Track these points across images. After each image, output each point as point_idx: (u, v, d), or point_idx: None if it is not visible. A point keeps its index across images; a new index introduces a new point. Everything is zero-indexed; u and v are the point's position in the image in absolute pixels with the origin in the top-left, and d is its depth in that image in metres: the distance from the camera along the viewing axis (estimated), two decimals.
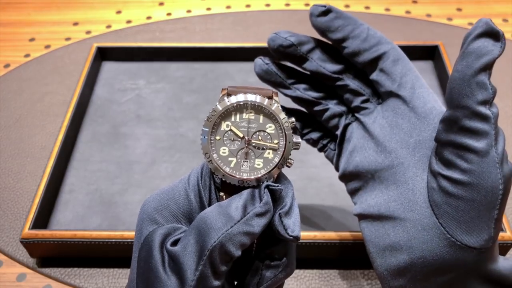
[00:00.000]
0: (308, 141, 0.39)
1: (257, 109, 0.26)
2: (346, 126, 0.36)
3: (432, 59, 0.64)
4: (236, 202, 0.25)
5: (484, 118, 0.26)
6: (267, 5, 0.78)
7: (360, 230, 0.34)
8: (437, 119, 0.31)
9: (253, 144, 0.26)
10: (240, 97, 0.26)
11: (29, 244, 0.43)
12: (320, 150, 0.39)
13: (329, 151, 0.38)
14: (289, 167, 0.27)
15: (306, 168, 0.53)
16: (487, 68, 0.26)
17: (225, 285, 0.27)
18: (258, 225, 0.24)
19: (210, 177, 0.27)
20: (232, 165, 0.26)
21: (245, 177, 0.26)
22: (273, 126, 0.26)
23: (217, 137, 0.26)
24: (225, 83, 0.63)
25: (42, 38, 0.71)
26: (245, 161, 0.26)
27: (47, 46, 0.70)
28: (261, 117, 0.26)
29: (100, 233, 0.43)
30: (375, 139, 0.33)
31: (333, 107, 0.36)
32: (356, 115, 0.35)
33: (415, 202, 0.30)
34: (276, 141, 0.26)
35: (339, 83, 0.34)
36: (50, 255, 0.45)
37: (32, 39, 0.71)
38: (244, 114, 0.26)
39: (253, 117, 0.26)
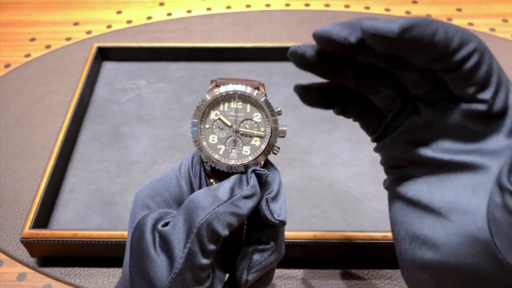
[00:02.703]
0: (348, 113, 0.32)
1: (245, 98, 0.28)
2: (401, 110, 0.30)
3: None
4: (224, 186, 0.26)
5: None
6: (267, 5, 0.78)
7: (389, 206, 0.31)
8: None
9: (241, 132, 0.28)
10: (228, 87, 0.27)
11: (29, 244, 0.43)
12: (361, 121, 0.33)
13: (372, 123, 0.32)
14: (275, 154, 0.28)
15: (306, 168, 0.53)
16: None
17: (216, 280, 0.27)
18: (245, 207, 0.25)
19: (201, 165, 0.28)
20: (221, 152, 0.28)
21: (233, 163, 0.27)
22: (260, 115, 0.28)
23: (206, 126, 0.28)
24: None
25: (42, 38, 0.71)
26: (233, 148, 0.28)
27: (48, 46, 0.70)
28: (248, 106, 0.28)
29: (100, 232, 0.43)
30: (442, 130, 0.29)
31: (387, 89, 0.30)
32: (417, 102, 0.30)
33: (468, 208, 0.27)
34: (262, 129, 0.28)
35: (400, 71, 0.28)
36: (51, 254, 0.45)
37: (32, 39, 0.71)
38: (232, 104, 0.28)
39: (240, 106, 0.28)
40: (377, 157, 0.37)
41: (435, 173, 0.29)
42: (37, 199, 0.46)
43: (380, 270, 0.44)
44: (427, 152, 0.29)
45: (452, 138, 0.28)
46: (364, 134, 0.33)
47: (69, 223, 0.48)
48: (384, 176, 0.33)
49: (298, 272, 0.44)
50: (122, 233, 0.43)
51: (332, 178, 0.52)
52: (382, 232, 0.43)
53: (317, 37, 0.28)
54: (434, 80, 0.28)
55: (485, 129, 0.27)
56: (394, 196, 0.31)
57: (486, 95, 0.26)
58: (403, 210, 0.31)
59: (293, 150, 0.55)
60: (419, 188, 0.30)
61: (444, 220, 0.28)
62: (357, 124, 0.33)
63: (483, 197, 0.26)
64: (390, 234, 0.42)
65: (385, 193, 0.35)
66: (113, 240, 0.42)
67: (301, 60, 0.30)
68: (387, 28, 0.24)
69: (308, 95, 0.33)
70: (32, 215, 0.44)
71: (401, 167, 0.31)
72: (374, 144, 0.33)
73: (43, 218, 0.47)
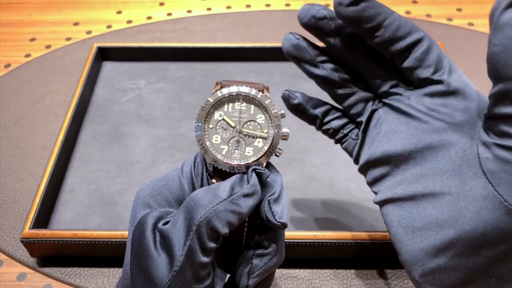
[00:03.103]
0: (327, 131, 0.38)
1: (249, 100, 0.28)
2: (372, 112, 0.34)
3: None
4: (225, 184, 0.26)
5: None
6: (267, 5, 0.78)
7: (383, 216, 0.33)
8: (476, 96, 0.30)
9: (244, 133, 0.28)
10: (232, 89, 0.28)
11: (29, 244, 0.43)
12: (338, 141, 0.38)
13: (349, 141, 0.37)
14: (277, 156, 0.28)
15: (306, 168, 0.53)
16: None
17: (217, 279, 0.27)
18: (245, 205, 0.25)
19: (203, 165, 0.29)
20: (223, 152, 0.28)
21: (235, 164, 0.28)
22: (263, 117, 0.28)
23: (210, 126, 0.28)
24: None
25: (42, 38, 0.71)
26: (236, 149, 0.28)
27: (48, 46, 0.70)
28: (252, 107, 0.28)
29: (100, 232, 0.43)
30: (413, 120, 0.32)
31: (360, 91, 0.35)
32: (384, 100, 0.34)
33: (463, 175, 0.29)
34: (266, 131, 0.28)
35: (366, 67, 0.33)
36: (51, 254, 0.45)
37: (32, 39, 0.71)
38: (236, 105, 0.28)
39: (244, 108, 0.28)
40: None
41: (417, 163, 0.31)
42: (37, 199, 0.46)
43: (380, 270, 0.44)
44: (403, 142, 0.32)
45: (421, 123, 0.32)
46: None
47: (69, 223, 0.48)
48: None
49: (299, 272, 0.44)
50: (122, 233, 0.43)
51: (332, 178, 0.52)
52: (382, 232, 0.43)
53: (299, 13, 0.33)
54: (396, 74, 0.33)
55: (446, 109, 0.31)
56: (383, 205, 0.33)
57: (442, 76, 0.31)
58: (395, 210, 0.32)
59: (293, 150, 0.55)
60: (401, 185, 0.32)
61: (444, 196, 0.29)
62: None
63: (474, 166, 0.29)
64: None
65: None
66: (113, 240, 0.42)
67: (287, 43, 0.35)
68: None
69: (290, 100, 0.37)
70: (32, 215, 0.44)
71: (386, 175, 0.33)
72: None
73: (43, 218, 0.47)
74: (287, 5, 0.78)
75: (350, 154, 0.37)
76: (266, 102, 0.28)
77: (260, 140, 0.28)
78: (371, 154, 0.34)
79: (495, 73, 0.27)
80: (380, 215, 0.48)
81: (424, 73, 0.31)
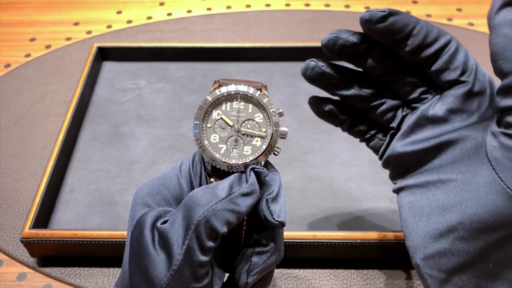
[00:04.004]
0: (355, 133, 0.38)
1: (247, 99, 0.28)
2: (403, 118, 0.35)
3: None
4: (223, 183, 0.26)
5: None
6: (267, 5, 0.78)
7: (398, 204, 0.34)
8: (494, 91, 0.32)
9: (242, 132, 0.28)
10: (231, 88, 0.28)
11: (29, 244, 0.43)
12: (365, 140, 0.38)
13: (376, 141, 0.37)
14: (276, 155, 0.28)
15: (306, 168, 0.53)
16: None
17: (215, 278, 0.27)
18: (243, 204, 0.26)
19: (201, 164, 0.29)
20: (222, 151, 0.28)
21: (233, 163, 0.28)
22: (262, 116, 0.28)
23: (208, 125, 0.28)
24: None
25: (42, 38, 0.71)
26: (234, 148, 0.28)
27: (48, 46, 0.70)
28: (250, 106, 0.28)
29: (100, 232, 0.43)
30: (437, 122, 0.33)
31: (389, 100, 0.35)
32: (413, 105, 0.35)
33: (470, 163, 0.30)
34: (264, 130, 0.28)
35: (396, 77, 0.34)
36: (51, 254, 0.45)
37: (32, 39, 0.71)
38: (234, 104, 0.28)
39: (242, 107, 0.28)
40: (377, 157, 0.38)
41: (435, 158, 0.33)
42: (37, 199, 0.46)
43: (379, 270, 0.44)
44: (424, 143, 0.33)
45: (444, 123, 0.33)
46: None
47: (69, 223, 0.48)
48: (384, 176, 0.35)
49: (298, 272, 0.44)
50: (122, 233, 0.43)
51: (332, 178, 0.52)
52: (382, 232, 0.43)
53: (325, 42, 0.33)
54: (425, 79, 0.33)
55: (470, 108, 0.32)
56: (399, 191, 0.35)
57: (469, 76, 0.32)
58: (408, 196, 0.33)
59: (293, 150, 0.55)
60: (424, 174, 0.33)
61: (451, 182, 0.31)
62: None
63: (481, 154, 0.30)
64: (389, 234, 0.42)
65: (385, 193, 0.36)
66: (113, 240, 0.42)
67: (313, 72, 0.34)
68: (378, 9, 0.31)
69: (321, 107, 0.37)
70: (32, 215, 0.44)
71: (406, 170, 0.34)
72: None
73: (43, 218, 0.47)
74: (287, 5, 0.78)
75: (376, 152, 0.38)
76: (264, 101, 0.28)
77: (258, 139, 0.28)
78: (394, 151, 0.35)
79: (499, 70, 0.29)
80: (380, 215, 0.49)
81: (452, 75, 0.32)
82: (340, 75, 0.34)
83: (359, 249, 0.43)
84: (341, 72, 0.35)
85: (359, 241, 0.42)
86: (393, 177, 0.36)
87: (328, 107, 0.36)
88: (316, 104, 0.37)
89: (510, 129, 0.28)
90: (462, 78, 0.32)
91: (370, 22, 0.31)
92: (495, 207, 0.28)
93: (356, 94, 0.35)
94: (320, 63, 0.34)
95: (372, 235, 0.42)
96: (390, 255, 0.44)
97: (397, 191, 0.35)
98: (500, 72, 0.29)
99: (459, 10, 0.75)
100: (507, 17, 0.28)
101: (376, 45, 0.33)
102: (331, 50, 0.33)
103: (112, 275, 0.44)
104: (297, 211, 0.49)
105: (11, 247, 0.46)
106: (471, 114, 0.32)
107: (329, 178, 0.52)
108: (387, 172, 0.37)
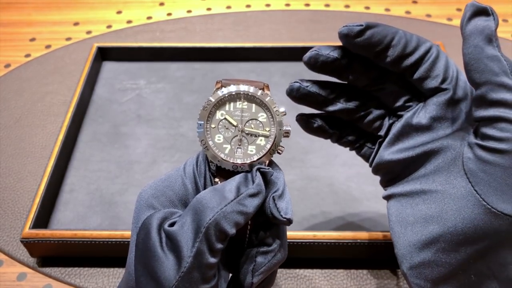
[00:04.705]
0: (344, 143, 0.38)
1: (250, 98, 0.28)
2: (390, 126, 0.35)
3: None
4: (230, 185, 0.26)
5: (507, 87, 0.28)
6: (267, 5, 0.78)
7: (387, 211, 0.34)
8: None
9: (246, 132, 0.28)
10: (233, 88, 0.28)
11: (29, 244, 0.43)
12: (356, 149, 0.38)
13: (366, 149, 0.37)
14: (280, 153, 0.28)
15: (306, 168, 0.53)
16: (490, 40, 0.29)
17: (221, 279, 0.28)
18: (251, 205, 0.26)
19: (206, 165, 0.29)
20: (226, 151, 0.28)
21: (238, 162, 0.28)
22: (265, 115, 0.28)
23: (212, 125, 0.28)
24: None
25: (42, 38, 0.72)
26: (239, 148, 0.28)
27: (48, 46, 0.70)
28: (254, 106, 0.28)
29: (100, 232, 0.43)
30: (421, 130, 0.33)
31: (376, 110, 0.35)
32: (399, 113, 0.35)
33: (449, 174, 0.31)
34: (268, 129, 0.28)
35: (379, 87, 0.34)
36: (51, 254, 0.45)
37: (32, 39, 0.71)
38: (238, 104, 0.28)
39: (246, 106, 0.28)
40: None
41: (420, 166, 0.33)
42: (37, 199, 0.46)
43: (379, 270, 0.44)
44: (408, 151, 0.33)
45: (427, 131, 0.33)
46: None
47: (69, 223, 0.48)
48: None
49: (299, 272, 0.44)
50: (122, 233, 0.43)
51: (332, 178, 0.52)
52: (382, 232, 0.43)
53: (306, 60, 0.33)
54: (409, 87, 0.33)
55: (451, 116, 0.32)
56: (390, 198, 0.35)
57: (449, 84, 0.32)
58: (395, 205, 0.34)
59: (293, 150, 0.55)
60: (410, 182, 0.33)
61: (432, 193, 0.31)
62: None
63: (458, 165, 0.30)
64: (389, 234, 0.42)
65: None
66: (113, 240, 0.42)
67: (298, 93, 0.34)
68: (355, 23, 0.31)
69: (309, 124, 0.37)
70: (32, 215, 0.44)
71: (395, 177, 0.35)
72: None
73: (43, 218, 0.47)
74: (287, 5, 0.78)
75: (366, 160, 0.38)
76: (267, 100, 0.28)
77: (263, 138, 0.28)
78: (381, 159, 0.35)
79: (470, 81, 0.29)
80: (380, 215, 0.49)
81: (433, 83, 0.32)
82: (325, 92, 0.34)
83: (359, 249, 0.43)
84: (325, 88, 0.34)
85: (359, 241, 0.42)
86: (383, 183, 0.36)
87: (316, 123, 0.36)
88: (303, 121, 0.37)
89: (485, 140, 0.29)
90: (443, 86, 0.32)
91: (348, 37, 0.31)
92: (473, 220, 0.28)
93: (343, 108, 0.35)
94: (304, 84, 0.34)
95: (372, 235, 0.42)
96: (390, 255, 0.44)
97: (386, 198, 0.35)
98: (473, 83, 0.29)
99: (459, 10, 0.75)
100: (478, 27, 0.29)
101: (357, 58, 0.33)
102: (313, 66, 0.33)
103: (112, 275, 0.44)
104: (297, 211, 0.49)
105: (11, 247, 0.46)
106: (453, 121, 0.32)
107: (329, 178, 0.52)
108: None
